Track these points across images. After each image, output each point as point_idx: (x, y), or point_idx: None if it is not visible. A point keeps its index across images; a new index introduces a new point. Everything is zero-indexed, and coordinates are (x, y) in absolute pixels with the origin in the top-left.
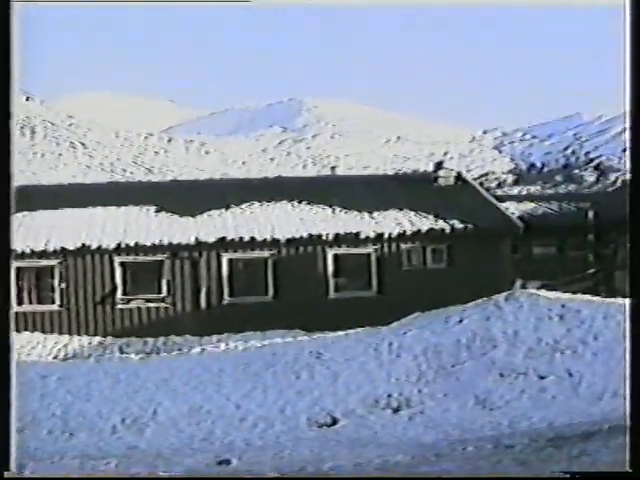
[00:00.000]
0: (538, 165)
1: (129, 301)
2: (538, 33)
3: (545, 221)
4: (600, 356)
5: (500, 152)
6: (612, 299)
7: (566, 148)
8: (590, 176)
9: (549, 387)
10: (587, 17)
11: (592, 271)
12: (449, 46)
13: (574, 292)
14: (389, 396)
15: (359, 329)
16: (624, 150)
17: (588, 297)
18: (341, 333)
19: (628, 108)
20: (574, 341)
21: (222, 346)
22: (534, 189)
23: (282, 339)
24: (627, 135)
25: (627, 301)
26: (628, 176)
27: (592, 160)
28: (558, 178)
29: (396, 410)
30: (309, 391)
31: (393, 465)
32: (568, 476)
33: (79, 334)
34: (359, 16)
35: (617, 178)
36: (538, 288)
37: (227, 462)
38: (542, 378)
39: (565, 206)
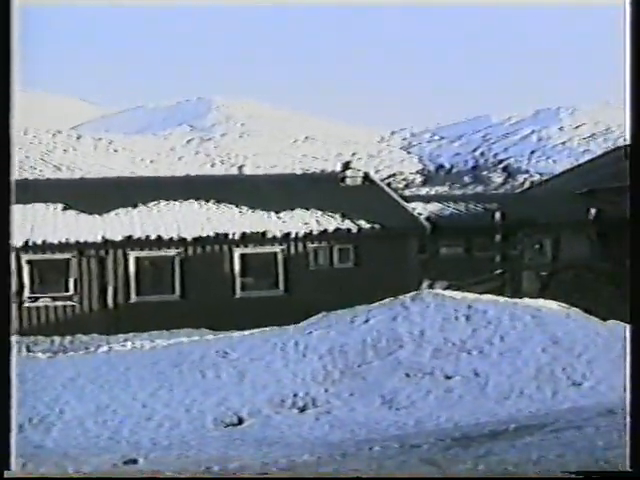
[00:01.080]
0: (446, 166)
1: (36, 299)
2: (452, 33)
3: (452, 222)
4: (506, 356)
5: (408, 153)
6: (518, 300)
7: (475, 149)
8: (498, 177)
9: (455, 387)
10: (505, 16)
11: (498, 272)
12: (359, 46)
13: (481, 293)
14: (295, 396)
15: (266, 328)
16: (532, 152)
17: (494, 298)
18: (247, 332)
19: (628, 108)
20: (480, 341)
21: (129, 345)
22: (442, 190)
23: (189, 338)
24: (535, 137)
25: (542, 302)
26: (536, 178)
27: (500, 162)
28: (466, 179)
29: (302, 410)
30: (215, 390)
31: (300, 465)
32: (569, 476)
33: None
34: (269, 15)
35: (525, 180)
36: (445, 288)
37: (134, 461)
38: (448, 378)
39: (472, 207)
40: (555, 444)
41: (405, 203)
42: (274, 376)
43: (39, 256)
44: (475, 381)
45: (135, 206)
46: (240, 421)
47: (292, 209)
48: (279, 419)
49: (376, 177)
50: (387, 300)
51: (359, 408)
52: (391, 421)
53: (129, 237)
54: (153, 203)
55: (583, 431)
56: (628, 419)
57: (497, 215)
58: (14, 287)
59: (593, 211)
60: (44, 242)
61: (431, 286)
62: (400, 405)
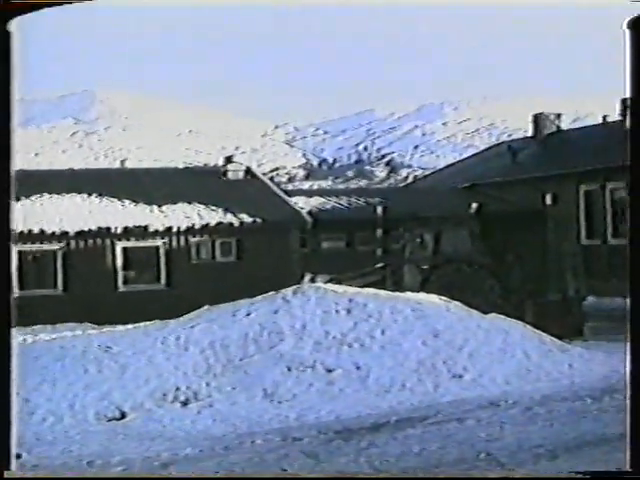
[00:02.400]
0: (330, 160)
1: None
2: (338, 28)
3: (334, 216)
4: (387, 349)
5: (292, 147)
6: (399, 293)
7: (358, 144)
8: (381, 172)
9: (337, 380)
10: (391, 13)
11: (380, 266)
12: (245, 40)
13: (362, 286)
14: (177, 389)
15: (148, 322)
16: (416, 147)
17: (375, 291)
18: (130, 326)
19: (629, 107)
20: (361, 335)
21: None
22: (325, 184)
23: (71, 332)
24: (419, 132)
25: (423, 295)
26: (419, 172)
27: (384, 156)
28: (350, 173)
29: (184, 403)
30: (97, 385)
31: (181, 459)
32: (570, 475)
33: None
34: (159, 9)
35: (408, 174)
36: (326, 282)
37: (17, 456)
38: (330, 371)
39: (354, 201)
40: (437, 436)
41: (287, 197)
42: (156, 370)
43: None
44: (356, 374)
45: (18, 199)
46: (123, 415)
47: (174, 203)
48: (161, 413)
49: (258, 171)
50: (269, 294)
51: (241, 401)
52: (273, 414)
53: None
54: (36, 197)
55: (464, 423)
56: (628, 419)
57: (379, 209)
58: None
59: (474, 205)
60: None
61: (313, 280)
62: (282, 398)
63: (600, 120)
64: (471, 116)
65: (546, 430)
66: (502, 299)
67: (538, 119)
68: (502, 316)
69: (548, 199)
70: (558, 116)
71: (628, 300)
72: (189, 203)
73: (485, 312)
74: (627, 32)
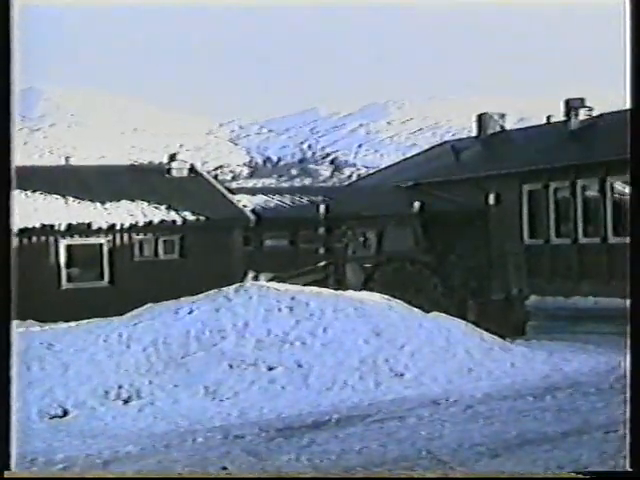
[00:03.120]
0: (274, 159)
1: None
2: (283, 29)
3: (277, 214)
4: (329, 348)
5: (236, 145)
6: (341, 292)
7: (302, 142)
8: (325, 170)
9: (278, 378)
10: (336, 13)
11: (322, 264)
12: (195, 39)
13: (304, 284)
14: (120, 387)
15: (90, 320)
16: (360, 145)
17: (317, 289)
18: (72, 324)
19: (629, 106)
20: (303, 333)
21: None
22: (269, 182)
23: (15, 330)
24: (364, 131)
25: (365, 294)
26: (363, 171)
27: (328, 155)
28: (293, 172)
29: (126, 401)
30: (40, 382)
31: (123, 456)
32: (569, 476)
33: None
34: (113, 6)
35: (352, 173)
36: (269, 280)
37: None
38: (271, 369)
39: (298, 199)
40: (378, 434)
41: (231, 195)
42: (98, 368)
43: None
44: (298, 372)
45: None
46: (65, 413)
47: (118, 200)
48: (103, 410)
49: (202, 169)
50: (211, 292)
51: (183, 399)
52: (215, 412)
53: None
54: None
55: (406, 422)
56: (628, 419)
57: (321, 208)
58: None
59: (417, 204)
60: None
61: (255, 278)
62: (223, 396)
63: (544, 120)
64: (415, 115)
65: (487, 429)
66: (444, 298)
67: (482, 119)
68: (444, 315)
69: (491, 199)
70: (502, 116)
71: (573, 299)
72: (133, 201)
73: (427, 311)
74: (627, 7)
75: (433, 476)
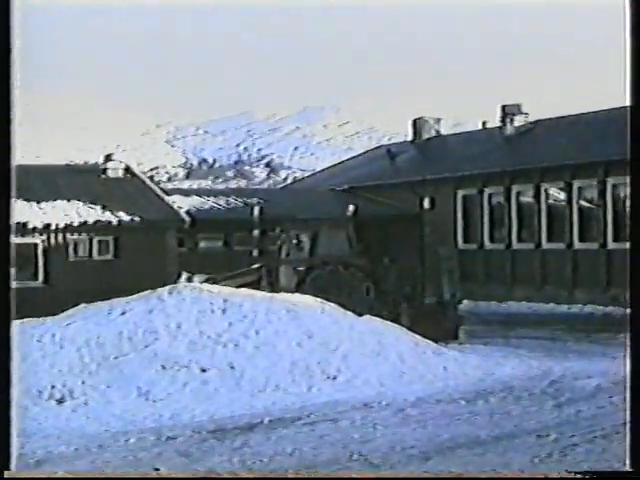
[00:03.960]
0: (209, 160)
1: None
2: (223, 29)
3: (212, 215)
4: (262, 350)
5: (172, 146)
6: (274, 294)
7: (238, 144)
8: (261, 172)
9: (211, 380)
10: (275, 14)
11: (256, 266)
12: (137, 40)
13: (237, 286)
14: (53, 387)
15: (24, 320)
16: (296, 148)
17: (251, 292)
18: None
19: (629, 105)
20: (236, 335)
21: None
22: (205, 184)
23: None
24: (300, 134)
25: (298, 296)
26: (298, 174)
27: (264, 157)
28: (229, 173)
29: (60, 401)
30: None
31: (56, 456)
32: (569, 476)
33: None
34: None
35: (287, 175)
36: (203, 282)
37: None
38: (204, 371)
39: (233, 201)
40: (310, 437)
41: (166, 196)
42: (31, 368)
43: None
44: (231, 374)
45: None
46: None
47: (54, 200)
48: (37, 410)
49: (138, 170)
50: (144, 293)
51: (116, 400)
52: (147, 413)
53: None
54: None
55: (338, 424)
56: (628, 419)
57: (256, 210)
58: None
59: (351, 208)
60: None
61: (189, 279)
62: (156, 397)
63: (480, 126)
64: (352, 119)
65: (419, 432)
66: (378, 301)
67: (418, 123)
68: (377, 318)
69: (426, 203)
70: (438, 121)
71: (507, 304)
72: (68, 201)
73: (360, 314)
74: (627, 7)
75: (433, 476)
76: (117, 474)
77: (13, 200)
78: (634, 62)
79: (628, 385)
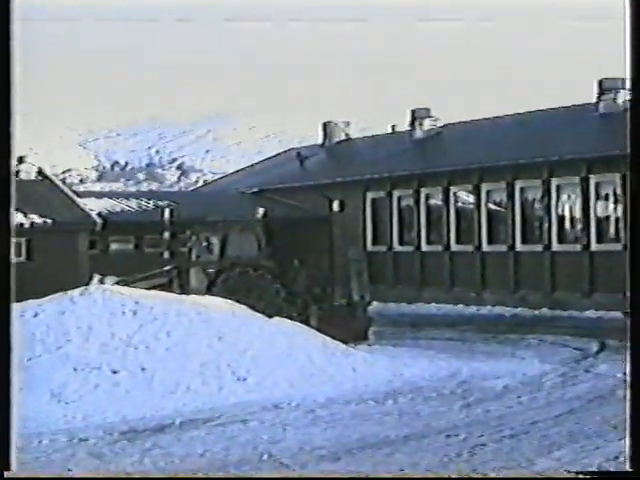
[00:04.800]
0: (122, 163)
1: None
2: (156, 32)
3: (123, 218)
4: (172, 352)
5: (85, 149)
6: (185, 296)
7: (150, 147)
8: (172, 175)
9: (122, 381)
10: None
11: (167, 268)
12: (42, 41)
13: (148, 288)
14: None
15: None
16: (207, 151)
17: (161, 294)
18: None
19: (629, 106)
20: (147, 337)
21: None
22: (117, 186)
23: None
24: (211, 137)
25: (209, 298)
26: (209, 176)
27: (175, 160)
28: (141, 176)
29: None
30: None
31: None
32: (571, 476)
33: None
34: None
35: (198, 178)
36: (114, 284)
37: None
38: (115, 373)
39: (144, 204)
40: (220, 438)
41: (78, 199)
42: None
43: None
44: (142, 376)
45: None
46: None
47: None
48: None
49: (50, 172)
50: (56, 295)
51: (28, 402)
52: (59, 415)
53: None
54: None
55: (248, 425)
56: (628, 419)
57: (166, 212)
58: None
59: (261, 210)
60: None
61: (101, 281)
62: (68, 399)
63: (389, 130)
64: (263, 122)
65: (328, 432)
66: (287, 303)
67: (327, 127)
68: (287, 320)
69: (335, 206)
70: (347, 124)
71: (416, 305)
72: None
73: (270, 316)
74: (627, 7)
75: (433, 476)
76: (117, 474)
77: (13, 202)
78: (634, 62)
79: (628, 385)
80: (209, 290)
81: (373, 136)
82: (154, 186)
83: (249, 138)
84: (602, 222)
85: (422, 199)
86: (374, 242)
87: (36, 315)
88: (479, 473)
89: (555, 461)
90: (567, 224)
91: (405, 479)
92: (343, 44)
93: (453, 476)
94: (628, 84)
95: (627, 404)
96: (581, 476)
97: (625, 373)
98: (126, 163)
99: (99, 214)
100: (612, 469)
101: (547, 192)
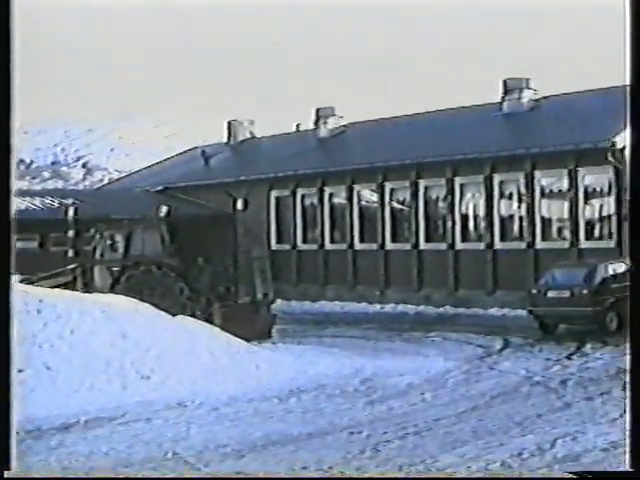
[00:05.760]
0: (27, 161)
1: None
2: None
3: (27, 216)
4: (76, 350)
5: None
6: (89, 294)
7: (56, 145)
8: (77, 174)
9: (27, 380)
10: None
11: (71, 267)
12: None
13: (52, 287)
14: None
15: None
16: (112, 149)
17: (65, 292)
18: None
19: (629, 107)
20: (51, 335)
21: None
22: (22, 184)
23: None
24: (116, 135)
25: (113, 297)
26: (115, 175)
27: (80, 158)
28: (46, 174)
29: None
30: None
31: None
32: (570, 476)
33: None
34: None
35: (103, 176)
36: (18, 282)
37: None
38: (20, 371)
39: (49, 202)
40: (125, 436)
41: None
42: None
43: None
44: (46, 374)
45: None
46: None
47: None
48: None
49: None
50: None
51: None
52: None
53: None
54: None
55: (152, 423)
56: (628, 419)
57: (70, 210)
58: None
59: (165, 208)
60: None
61: None
62: None
63: (294, 128)
64: (168, 120)
65: (232, 430)
66: (191, 302)
67: (232, 125)
68: (190, 318)
69: (239, 204)
70: (251, 123)
71: (320, 304)
72: None
73: (174, 314)
74: (627, 7)
75: (433, 476)
76: (117, 474)
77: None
78: (634, 62)
79: (628, 384)
80: (113, 288)
81: (278, 135)
82: (59, 184)
83: (155, 136)
84: (506, 221)
85: (326, 198)
86: (278, 240)
87: None
88: (463, 473)
89: (459, 457)
90: (471, 223)
91: (405, 479)
92: (242, 41)
93: (453, 476)
94: (532, 84)
95: (627, 402)
96: (581, 476)
97: (528, 370)
98: (31, 161)
99: None
100: (515, 465)
101: (451, 191)
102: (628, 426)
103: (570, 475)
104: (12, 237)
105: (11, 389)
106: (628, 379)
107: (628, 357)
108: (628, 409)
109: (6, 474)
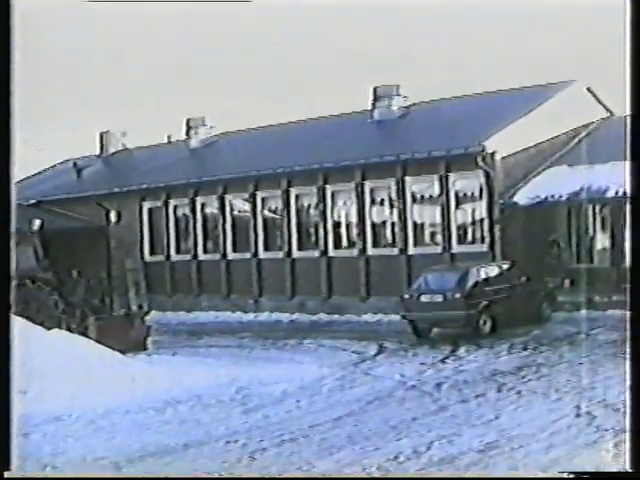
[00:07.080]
0: None
1: None
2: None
3: None
4: None
5: None
6: None
7: None
8: None
9: None
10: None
11: None
12: None
13: None
14: None
15: None
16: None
17: None
18: None
19: (629, 111)
20: None
21: None
22: None
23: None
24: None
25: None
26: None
27: None
28: None
29: None
30: None
31: None
32: (570, 476)
33: None
34: None
35: None
36: None
37: None
38: None
39: None
40: None
41: None
42: None
43: None
44: None
45: None
46: None
47: None
48: None
49: None
50: None
51: None
52: None
53: None
54: None
55: (30, 438)
56: (628, 419)
57: None
58: None
59: (37, 222)
60: None
61: None
62: None
63: (165, 139)
64: (40, 133)
65: (110, 442)
66: (66, 315)
67: (104, 137)
68: (65, 332)
69: (112, 216)
70: (123, 134)
71: (194, 314)
72: None
73: (49, 328)
74: (627, 7)
75: (433, 476)
76: (117, 474)
77: (13, 201)
78: (634, 61)
79: (628, 385)
80: None
81: (149, 146)
82: None
83: (26, 149)
84: (378, 227)
85: (198, 208)
86: (152, 252)
87: None
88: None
89: (335, 463)
90: (343, 230)
91: (405, 479)
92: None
93: (453, 476)
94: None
95: (628, 404)
96: (581, 476)
97: (402, 374)
98: None
99: None
100: (392, 469)
101: (322, 198)
102: (628, 426)
103: (570, 475)
104: (11, 244)
105: (11, 389)
106: (628, 379)
107: (628, 357)
108: (628, 410)
109: (6, 474)
